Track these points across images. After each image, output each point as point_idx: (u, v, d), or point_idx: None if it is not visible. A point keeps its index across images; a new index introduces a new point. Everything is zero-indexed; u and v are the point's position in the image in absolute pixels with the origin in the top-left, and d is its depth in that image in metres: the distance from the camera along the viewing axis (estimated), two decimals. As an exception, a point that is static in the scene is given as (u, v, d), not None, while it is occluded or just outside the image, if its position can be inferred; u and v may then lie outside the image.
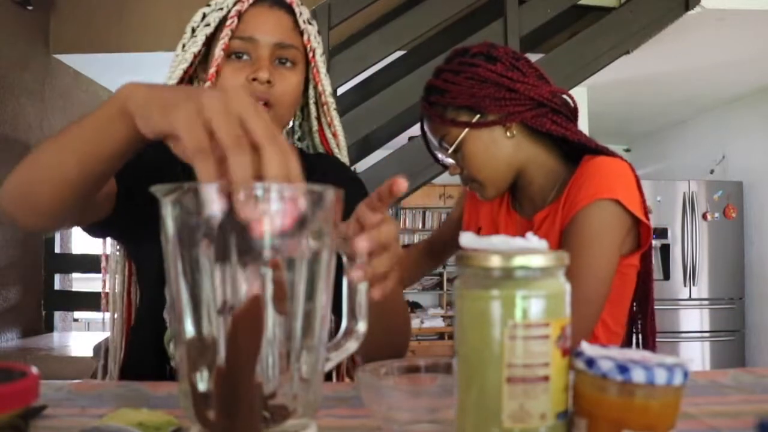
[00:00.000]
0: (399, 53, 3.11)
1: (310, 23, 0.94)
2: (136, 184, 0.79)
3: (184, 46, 0.92)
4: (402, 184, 0.53)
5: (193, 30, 0.92)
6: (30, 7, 3.27)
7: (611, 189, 0.99)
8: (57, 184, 0.63)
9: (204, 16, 0.91)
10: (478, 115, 1.05)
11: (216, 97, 0.46)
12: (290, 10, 0.91)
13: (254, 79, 0.86)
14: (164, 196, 0.43)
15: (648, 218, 1.03)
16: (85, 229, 0.86)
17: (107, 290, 1.01)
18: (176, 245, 0.43)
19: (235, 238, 0.42)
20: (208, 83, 0.90)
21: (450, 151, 1.08)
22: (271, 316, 0.43)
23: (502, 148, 1.07)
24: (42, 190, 0.65)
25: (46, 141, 0.64)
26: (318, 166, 1.01)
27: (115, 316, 1.00)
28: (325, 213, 0.46)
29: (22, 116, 3.25)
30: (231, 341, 0.42)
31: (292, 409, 0.44)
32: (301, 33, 0.92)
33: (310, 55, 0.94)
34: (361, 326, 0.53)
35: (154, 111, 0.50)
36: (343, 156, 1.07)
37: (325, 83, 0.99)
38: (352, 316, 0.54)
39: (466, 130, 1.06)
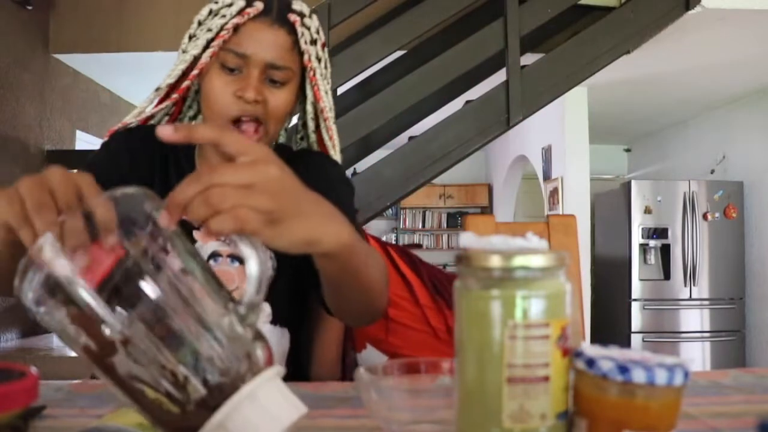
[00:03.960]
0: (399, 53, 3.11)
1: (313, 42, 0.91)
2: None
3: (190, 38, 0.91)
4: (163, 130, 0.49)
5: (199, 23, 0.91)
6: (30, 7, 3.27)
7: None
8: None
9: (210, 12, 0.90)
10: None
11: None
12: (292, 29, 0.88)
13: (241, 97, 0.85)
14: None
15: None
16: None
17: None
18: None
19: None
20: (187, 81, 0.91)
21: None
22: (143, 334, 0.43)
23: None
24: None
25: None
26: (300, 162, 1.01)
27: None
28: (152, 205, 0.46)
29: (21, 116, 3.25)
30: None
31: (236, 377, 0.44)
32: (301, 53, 0.90)
33: (310, 74, 0.93)
34: (265, 263, 0.49)
35: None
36: (336, 153, 1.05)
37: (325, 100, 0.97)
38: (254, 263, 0.49)
39: None
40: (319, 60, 0.93)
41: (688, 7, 2.96)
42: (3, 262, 0.62)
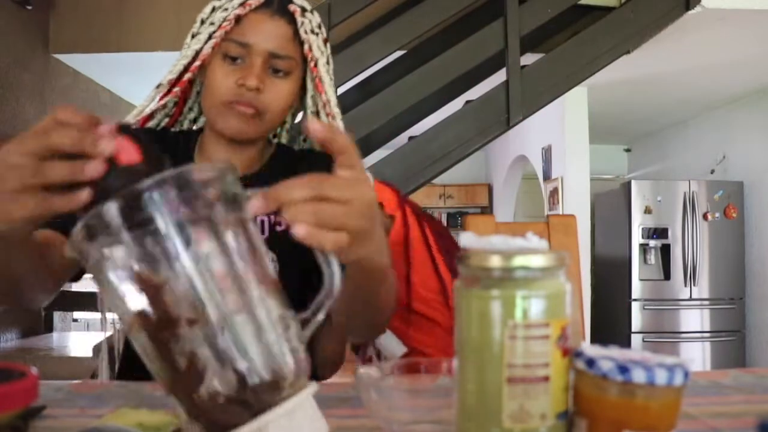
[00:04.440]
0: (399, 53, 3.11)
1: (314, 33, 0.92)
2: None
3: (193, 36, 0.92)
4: (314, 123, 0.53)
5: (202, 21, 0.92)
6: (29, 7, 3.27)
7: None
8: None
9: (213, 9, 0.91)
10: None
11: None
12: (292, 19, 0.90)
13: (243, 84, 0.86)
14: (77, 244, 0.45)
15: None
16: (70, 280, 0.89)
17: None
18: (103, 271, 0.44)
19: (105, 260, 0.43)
20: (189, 74, 0.92)
21: None
22: (215, 311, 0.43)
23: None
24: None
25: None
26: (305, 163, 1.01)
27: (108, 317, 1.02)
28: (202, 197, 0.46)
29: (21, 116, 3.25)
30: (152, 354, 0.44)
31: (278, 380, 0.44)
32: (302, 43, 0.91)
33: (311, 64, 0.93)
34: (336, 279, 0.50)
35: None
36: None
37: (330, 93, 0.97)
38: (328, 277, 0.51)
39: None
40: (321, 52, 0.94)
41: (688, 7, 2.95)
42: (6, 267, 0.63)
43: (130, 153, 0.49)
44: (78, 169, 0.48)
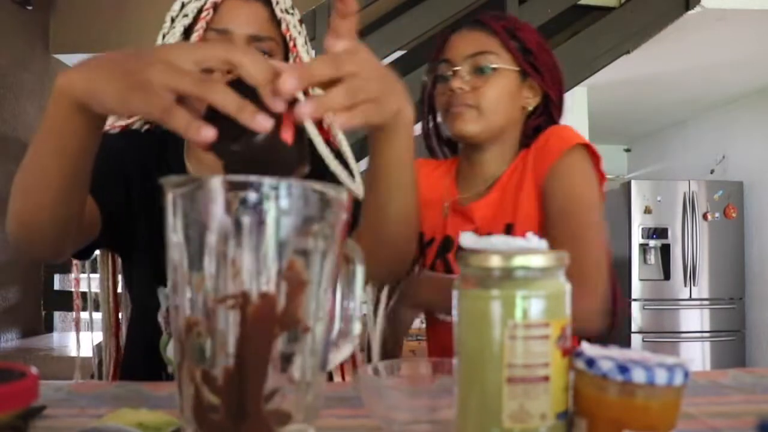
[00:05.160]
0: (399, 53, 3.11)
1: (289, 12, 0.92)
2: (118, 205, 0.86)
3: (164, 36, 0.91)
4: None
5: (173, 20, 0.91)
6: (30, 7, 3.27)
7: (577, 138, 1.02)
8: (44, 194, 0.63)
9: (183, 5, 0.90)
10: (531, 68, 1.12)
11: (154, 64, 0.48)
12: (266, 1, 0.90)
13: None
14: (173, 189, 0.42)
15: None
16: (77, 255, 0.88)
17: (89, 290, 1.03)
18: (184, 239, 0.42)
19: (249, 232, 0.40)
20: None
21: (482, 68, 1.06)
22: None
23: (515, 102, 1.10)
24: (34, 205, 0.65)
25: (23, 162, 0.65)
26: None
27: (94, 316, 1.02)
28: (335, 217, 0.44)
29: (21, 116, 3.25)
30: (241, 342, 0.41)
31: (290, 413, 0.43)
32: (279, 23, 0.91)
33: (291, 44, 0.92)
34: (355, 327, 0.51)
35: (107, 99, 0.51)
36: (344, 149, 1.01)
37: None
38: (346, 316, 0.51)
39: (514, 65, 1.10)
40: (298, 32, 0.93)
41: (688, 7, 2.96)
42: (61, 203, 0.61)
43: (288, 132, 0.45)
44: (248, 111, 0.44)
